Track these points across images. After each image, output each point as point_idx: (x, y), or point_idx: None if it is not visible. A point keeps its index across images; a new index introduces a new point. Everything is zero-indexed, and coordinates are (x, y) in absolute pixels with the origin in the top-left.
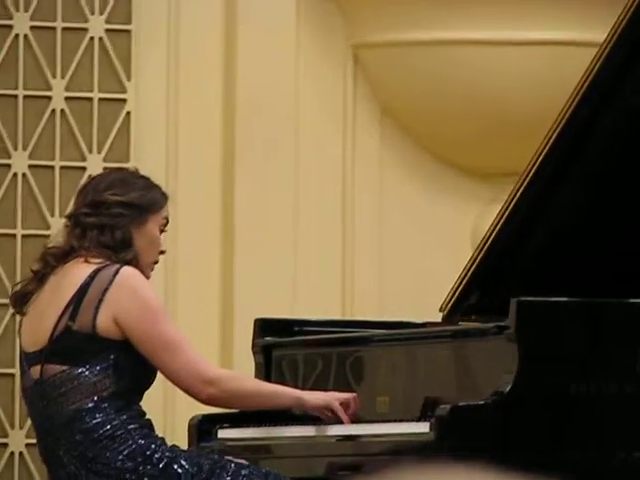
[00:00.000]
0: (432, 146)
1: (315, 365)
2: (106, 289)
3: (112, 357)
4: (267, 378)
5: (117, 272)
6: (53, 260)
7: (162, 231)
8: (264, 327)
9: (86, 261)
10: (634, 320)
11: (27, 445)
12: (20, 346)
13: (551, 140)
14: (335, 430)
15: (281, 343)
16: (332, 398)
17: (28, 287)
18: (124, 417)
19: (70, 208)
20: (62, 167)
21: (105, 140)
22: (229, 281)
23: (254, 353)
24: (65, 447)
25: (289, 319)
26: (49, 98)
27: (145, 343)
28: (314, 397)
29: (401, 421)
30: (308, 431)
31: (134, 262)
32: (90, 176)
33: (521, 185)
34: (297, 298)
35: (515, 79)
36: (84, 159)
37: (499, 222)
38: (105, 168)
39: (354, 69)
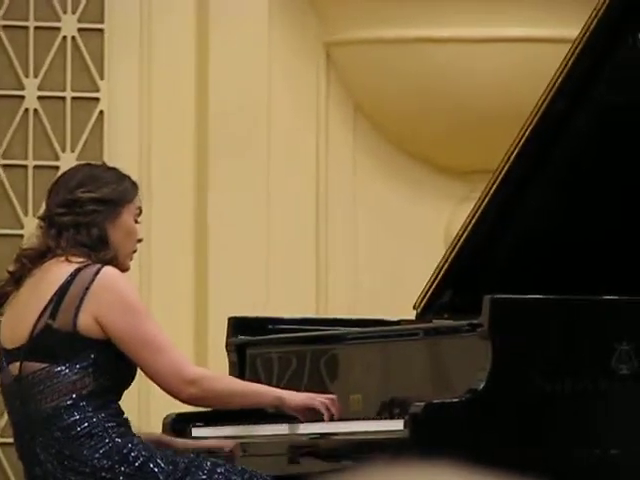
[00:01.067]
0: (405, 144)
1: (289, 363)
2: (87, 288)
3: (92, 356)
4: (241, 377)
5: (98, 272)
6: (28, 262)
7: (137, 221)
8: (238, 325)
9: (67, 260)
10: (607, 317)
11: (1, 444)
12: (0, 341)
13: (523, 138)
14: (309, 428)
15: (255, 342)
16: (312, 399)
17: (5, 288)
18: (102, 415)
19: (42, 208)
20: (35, 166)
21: (78, 139)
22: (203, 280)
23: (228, 352)
24: (42, 444)
25: (263, 317)
26: (22, 97)
27: (127, 342)
28: (294, 397)
29: (375, 419)
30: (282, 429)
31: (114, 261)
32: (59, 174)
33: (494, 183)
34: (271, 296)
35: (489, 76)
36: (57, 158)
37: (472, 220)
38: None
39: (327, 67)
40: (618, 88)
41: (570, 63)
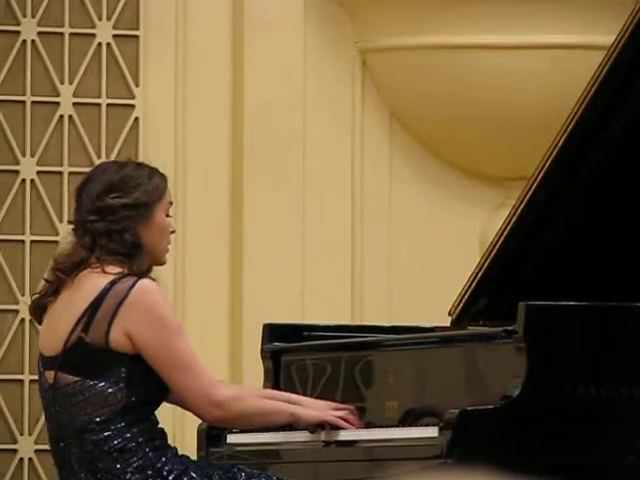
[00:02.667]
0: (441, 150)
1: (324, 370)
2: (121, 303)
3: (124, 370)
4: (276, 383)
5: (133, 285)
6: (63, 274)
7: (168, 215)
8: (273, 332)
9: (102, 271)
10: None
11: (36, 451)
12: (39, 347)
13: (559, 144)
14: (344, 435)
15: (290, 348)
16: (326, 413)
17: (43, 299)
18: (135, 430)
19: (72, 210)
20: (70, 173)
21: (113, 146)
22: (238, 286)
23: (263, 358)
24: (76, 455)
25: (298, 324)
26: (57, 104)
27: (157, 360)
28: (308, 413)
29: (410, 426)
30: (317, 436)
31: (150, 269)
32: (86, 175)
33: (529, 189)
34: (306, 303)
35: (523, 83)
36: (92, 165)
37: (507, 226)
38: None
39: (362, 74)
40: None
41: (605, 70)
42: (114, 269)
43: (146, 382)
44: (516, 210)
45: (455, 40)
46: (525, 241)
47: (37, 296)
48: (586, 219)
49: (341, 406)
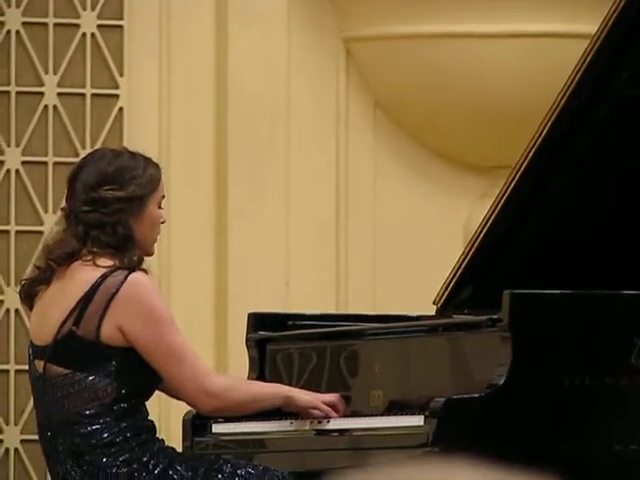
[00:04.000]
0: (425, 139)
1: (309, 359)
2: (112, 297)
3: (114, 364)
4: (261, 372)
5: (125, 279)
6: (55, 264)
7: (160, 206)
8: (258, 321)
9: (94, 264)
10: (627, 312)
11: (22, 441)
12: (29, 334)
13: (543, 133)
14: (329, 424)
15: (275, 337)
16: (317, 399)
17: (36, 285)
18: (123, 425)
19: (65, 197)
20: (55, 163)
21: (98, 136)
22: (223, 275)
23: (248, 347)
24: (63, 445)
25: (283, 313)
26: (41, 94)
27: (151, 353)
28: (302, 397)
29: (395, 415)
30: (302, 425)
31: (140, 262)
32: (79, 161)
33: (513, 178)
34: (291, 292)
35: (508, 71)
36: (77, 155)
37: (491, 215)
38: None
39: (346, 62)
40: (636, 83)
41: (589, 57)
42: (106, 262)
43: (136, 376)
44: (500, 199)
45: (439, 29)
46: (509, 229)
47: (28, 282)
48: (570, 207)
49: (329, 396)
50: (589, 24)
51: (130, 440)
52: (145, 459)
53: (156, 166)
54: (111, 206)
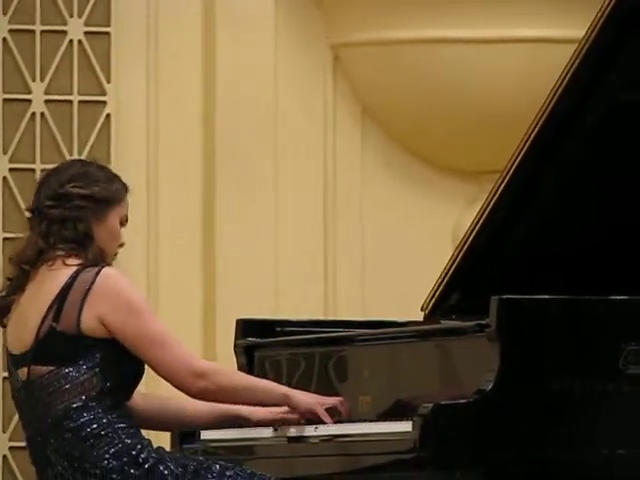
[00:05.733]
0: (413, 145)
1: (298, 365)
2: (89, 289)
3: (98, 356)
4: None
5: (98, 273)
6: (28, 266)
7: (122, 224)
8: (246, 328)
9: (64, 264)
10: (615, 317)
11: (11, 448)
12: (6, 349)
13: (531, 138)
14: (317, 430)
15: (263, 344)
16: (317, 402)
17: (8, 298)
18: (112, 416)
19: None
20: (43, 170)
21: (86, 143)
22: (211, 282)
23: (236, 354)
24: (53, 446)
25: (271, 319)
26: (29, 101)
27: (133, 341)
28: (302, 397)
29: (384, 420)
30: (291, 431)
31: (104, 260)
32: (48, 169)
33: (501, 183)
34: (279, 298)
35: (497, 77)
36: None
37: (479, 220)
38: None
39: (334, 69)
40: (626, 87)
41: (577, 62)
42: (74, 261)
43: (121, 366)
44: (488, 204)
45: (427, 35)
46: (497, 235)
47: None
48: (559, 213)
49: (330, 399)
50: (579, 29)
51: (119, 432)
52: (135, 452)
53: (123, 185)
54: (74, 201)
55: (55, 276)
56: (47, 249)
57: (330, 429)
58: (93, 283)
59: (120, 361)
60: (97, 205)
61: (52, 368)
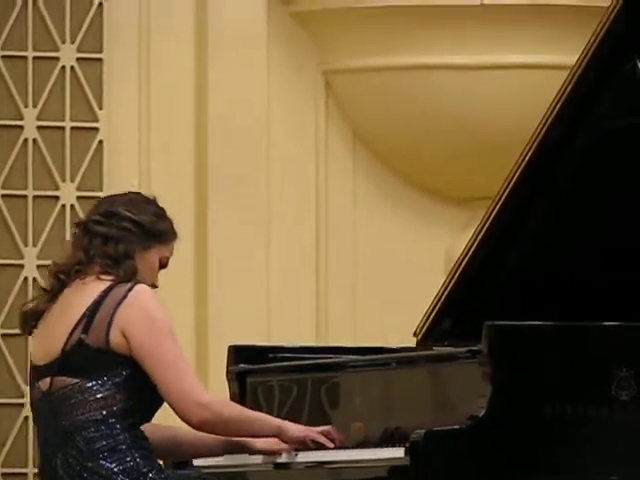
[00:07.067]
0: (405, 171)
1: (290, 391)
2: (119, 304)
3: (124, 373)
4: (242, 405)
5: (131, 289)
6: (65, 277)
7: (161, 266)
8: (238, 354)
9: (98, 278)
10: (607, 343)
11: (3, 475)
12: (30, 361)
13: (522, 164)
14: (310, 457)
15: (255, 370)
16: (311, 430)
17: (40, 306)
18: (128, 435)
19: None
20: (35, 196)
21: (78, 169)
22: (203, 308)
23: (228, 380)
24: (62, 458)
25: (263, 346)
26: (21, 127)
27: (148, 359)
28: (294, 427)
29: (376, 446)
30: (283, 458)
31: (136, 272)
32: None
33: (493, 210)
34: (271, 325)
35: (489, 103)
36: (57, 188)
37: (472, 246)
38: (78, 197)
39: (325, 95)
40: (616, 113)
41: (568, 89)
42: (107, 277)
43: (144, 387)
44: (481, 230)
45: (419, 61)
46: (490, 261)
47: (32, 304)
48: (551, 238)
49: (321, 428)
50: (571, 55)
51: (133, 451)
52: (145, 470)
53: (174, 231)
54: (122, 223)
55: (88, 290)
56: (85, 262)
57: (322, 455)
58: (124, 298)
59: (144, 381)
60: (143, 234)
61: (76, 381)
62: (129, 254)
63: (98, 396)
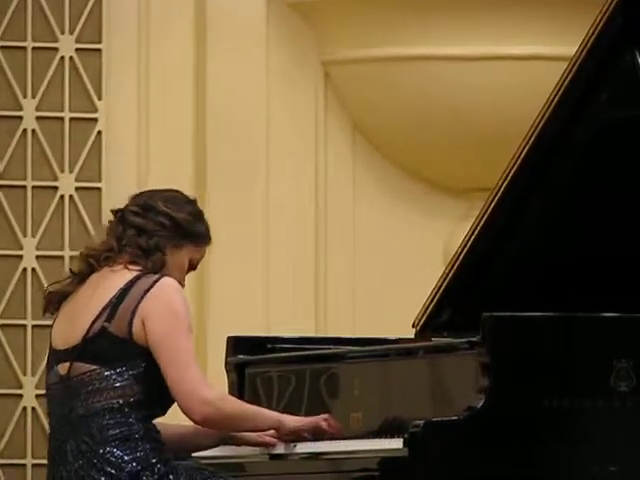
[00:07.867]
0: (404, 162)
1: (289, 382)
2: (143, 296)
3: (143, 365)
4: (240, 396)
5: (157, 280)
6: (95, 262)
7: (191, 268)
8: (237, 345)
9: (126, 267)
10: (606, 334)
11: (1, 465)
12: (50, 344)
13: (521, 156)
14: (308, 447)
15: (254, 361)
16: (310, 421)
17: (67, 288)
18: (142, 426)
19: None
20: (34, 187)
21: (77, 160)
22: (202, 298)
23: (227, 371)
24: (74, 443)
25: (262, 336)
26: (20, 118)
27: (160, 349)
28: (292, 419)
29: (375, 437)
30: (281, 449)
31: (163, 264)
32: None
33: (492, 201)
34: (270, 315)
35: (488, 94)
36: (56, 179)
37: (470, 238)
38: (77, 188)
39: (325, 86)
40: (615, 105)
41: (567, 81)
42: (135, 267)
43: (161, 382)
44: (480, 221)
45: (418, 51)
46: (489, 252)
47: (60, 284)
48: (550, 229)
49: (319, 417)
50: (570, 46)
51: (145, 442)
52: (154, 461)
53: (209, 235)
54: (158, 217)
55: (116, 277)
56: (116, 250)
57: (321, 446)
58: (150, 288)
59: (161, 375)
60: (177, 231)
61: (95, 367)
62: (160, 249)
63: (116, 385)
